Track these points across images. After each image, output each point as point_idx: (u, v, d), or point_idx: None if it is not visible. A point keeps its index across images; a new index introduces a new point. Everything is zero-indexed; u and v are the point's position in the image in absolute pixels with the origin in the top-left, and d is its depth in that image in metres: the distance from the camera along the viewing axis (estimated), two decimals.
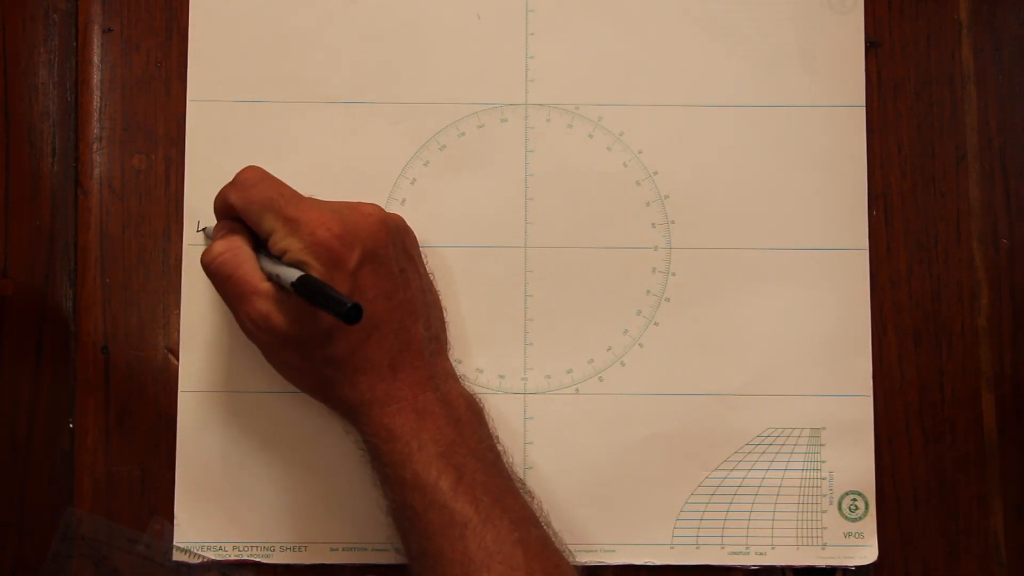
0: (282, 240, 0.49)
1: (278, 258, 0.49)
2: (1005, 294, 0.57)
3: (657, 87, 0.58)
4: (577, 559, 0.56)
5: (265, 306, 0.49)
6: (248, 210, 0.50)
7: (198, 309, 0.57)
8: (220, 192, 0.51)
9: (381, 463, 0.50)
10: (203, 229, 0.56)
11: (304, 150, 0.57)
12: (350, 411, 0.51)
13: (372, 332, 0.49)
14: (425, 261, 0.55)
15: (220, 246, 0.50)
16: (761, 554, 0.56)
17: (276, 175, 0.57)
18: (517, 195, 0.57)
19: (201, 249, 0.57)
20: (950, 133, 0.58)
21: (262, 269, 0.50)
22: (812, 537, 0.56)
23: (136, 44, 0.58)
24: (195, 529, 0.56)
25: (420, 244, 0.56)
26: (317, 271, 0.48)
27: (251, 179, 0.51)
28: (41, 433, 0.57)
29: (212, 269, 0.50)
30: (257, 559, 0.56)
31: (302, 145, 0.57)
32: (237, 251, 0.50)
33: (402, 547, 0.51)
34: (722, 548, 0.56)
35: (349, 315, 0.44)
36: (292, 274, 0.47)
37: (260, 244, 0.51)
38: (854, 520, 0.56)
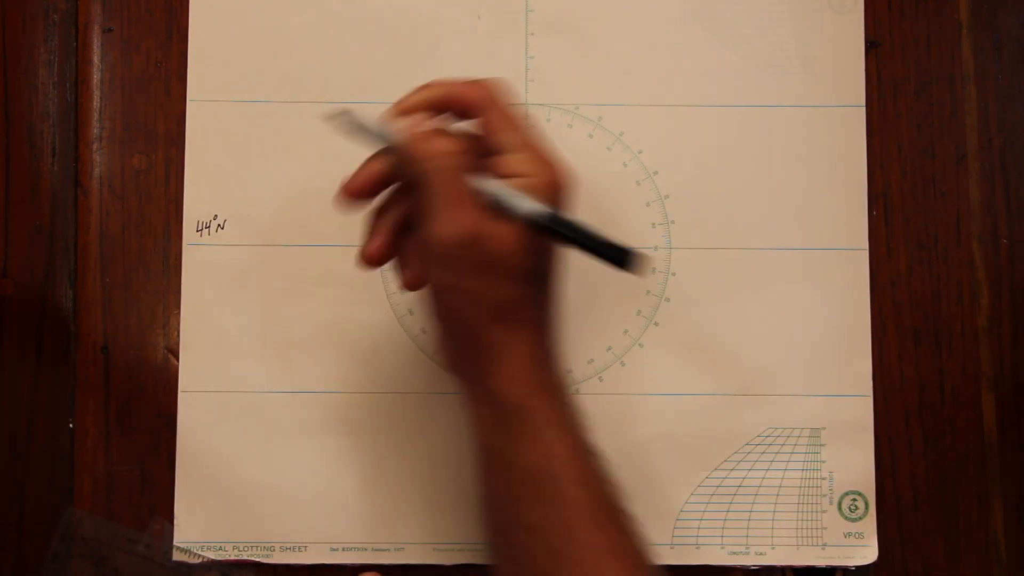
0: (526, 164, 0.46)
1: (505, 179, 0.46)
2: (1005, 294, 0.57)
3: (657, 87, 0.58)
4: None
5: (475, 221, 0.45)
6: (493, 112, 0.47)
7: (198, 309, 0.57)
8: (448, 84, 0.47)
9: (506, 431, 0.47)
10: (343, 113, 0.47)
11: (304, 150, 0.57)
12: (488, 354, 0.47)
13: (551, 301, 0.48)
14: None
15: (448, 142, 0.46)
16: (761, 554, 0.56)
17: (276, 175, 0.57)
18: None
19: (201, 248, 0.57)
20: (950, 133, 0.58)
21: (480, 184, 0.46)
22: (812, 537, 0.56)
23: (136, 44, 0.58)
24: (195, 529, 0.56)
25: None
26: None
27: (498, 89, 0.47)
28: (41, 433, 0.57)
29: (437, 163, 0.45)
30: (257, 559, 0.56)
31: (302, 145, 0.57)
32: (464, 155, 0.46)
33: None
34: (722, 548, 0.56)
35: (625, 260, 0.43)
36: (528, 202, 0.45)
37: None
38: (854, 520, 0.56)
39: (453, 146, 0.46)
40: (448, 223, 0.45)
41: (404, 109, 0.47)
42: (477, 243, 0.45)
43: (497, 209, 0.46)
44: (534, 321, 0.47)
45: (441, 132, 0.46)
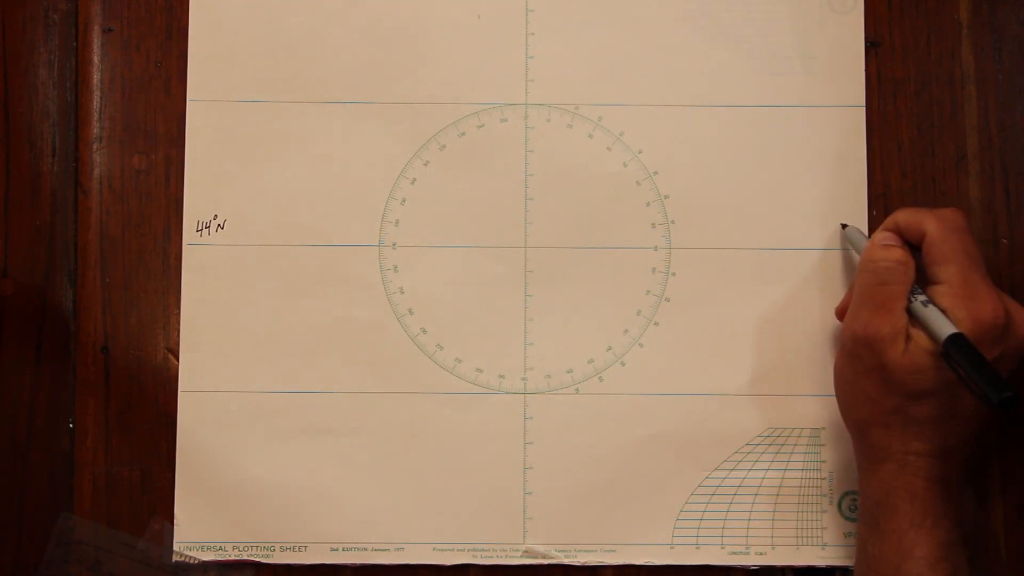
0: (949, 297, 0.48)
1: (934, 306, 0.49)
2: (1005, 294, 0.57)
3: (657, 87, 0.58)
4: (577, 559, 0.56)
5: (888, 329, 0.48)
6: (939, 245, 0.50)
7: (198, 309, 0.57)
8: (913, 211, 0.51)
9: (873, 523, 0.50)
10: (845, 226, 0.56)
11: (304, 150, 0.57)
12: (869, 450, 0.51)
13: (969, 423, 0.49)
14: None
15: (900, 254, 0.50)
16: (761, 554, 0.56)
17: (276, 175, 0.57)
18: (517, 195, 0.57)
19: (202, 247, 0.57)
20: (950, 133, 0.58)
21: (909, 299, 0.49)
22: (812, 537, 0.56)
23: (136, 44, 0.58)
24: (195, 529, 0.56)
25: (421, 244, 0.57)
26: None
27: (957, 222, 0.50)
28: (41, 433, 0.57)
29: (879, 266, 0.50)
30: (257, 559, 0.56)
31: (302, 145, 0.57)
32: (907, 269, 0.50)
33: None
34: (722, 548, 0.56)
35: (1004, 401, 0.43)
36: (947, 328, 0.47)
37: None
38: (854, 520, 0.56)
39: (898, 258, 0.50)
40: (857, 319, 0.50)
41: (882, 227, 0.53)
42: (875, 347, 0.49)
43: (921, 328, 0.48)
44: (921, 437, 0.49)
45: (896, 247, 0.50)
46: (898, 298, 0.49)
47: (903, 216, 0.51)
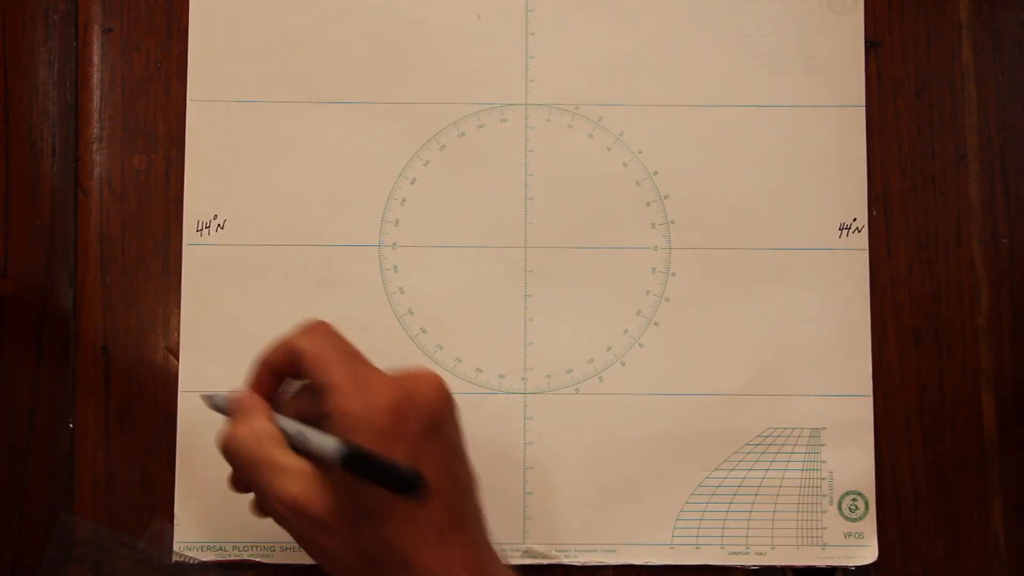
0: (340, 396, 0.45)
1: (318, 428, 0.45)
2: (1005, 294, 0.57)
3: (657, 87, 0.58)
4: (577, 559, 0.56)
5: (297, 487, 0.45)
6: (316, 354, 0.46)
7: (198, 309, 0.57)
8: (278, 343, 0.48)
9: None
10: (209, 397, 0.50)
11: (304, 150, 0.57)
12: None
13: (426, 504, 0.45)
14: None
15: (242, 429, 0.46)
16: (761, 554, 0.56)
17: (276, 175, 0.57)
18: (517, 195, 0.57)
19: (202, 247, 0.57)
20: (950, 133, 0.58)
21: (292, 444, 0.46)
22: (812, 537, 0.56)
23: (136, 44, 0.58)
24: (195, 529, 0.56)
25: (421, 244, 0.57)
26: (374, 438, 0.44)
27: (322, 328, 0.47)
28: (41, 433, 0.57)
29: (233, 453, 0.46)
30: (257, 559, 0.56)
31: (302, 145, 0.57)
32: (258, 431, 0.46)
33: None
34: (722, 548, 0.56)
35: (411, 485, 0.41)
36: (336, 447, 0.43)
37: (288, 415, 0.48)
38: (854, 520, 0.56)
39: (247, 429, 0.46)
40: (270, 502, 0.46)
41: (248, 381, 0.48)
42: (299, 511, 0.45)
43: (317, 459, 0.45)
44: (415, 546, 0.45)
45: (242, 412, 0.47)
46: (278, 456, 0.45)
47: (270, 355, 0.48)
